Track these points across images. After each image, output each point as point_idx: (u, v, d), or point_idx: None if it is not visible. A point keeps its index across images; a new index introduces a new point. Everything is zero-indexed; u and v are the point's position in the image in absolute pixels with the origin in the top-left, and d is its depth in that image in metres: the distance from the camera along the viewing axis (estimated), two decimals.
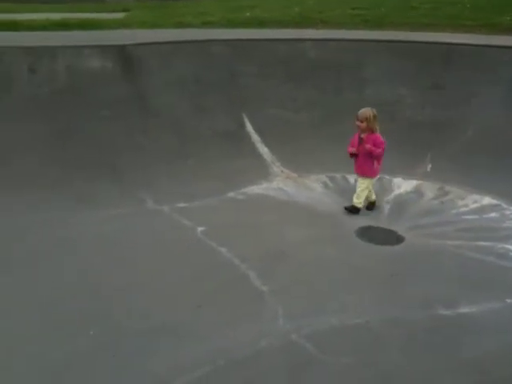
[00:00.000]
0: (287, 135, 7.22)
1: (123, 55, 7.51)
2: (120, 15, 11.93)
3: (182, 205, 5.99)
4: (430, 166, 7.00)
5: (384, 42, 8.47)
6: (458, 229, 5.65)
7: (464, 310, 4.20)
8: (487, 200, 6.25)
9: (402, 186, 6.68)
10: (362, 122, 5.76)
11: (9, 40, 7.91)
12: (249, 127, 7.56)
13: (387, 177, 6.82)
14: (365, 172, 5.95)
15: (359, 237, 5.42)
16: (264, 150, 7.32)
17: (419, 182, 6.77)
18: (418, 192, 6.55)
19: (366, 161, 5.87)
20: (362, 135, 5.83)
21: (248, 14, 11.38)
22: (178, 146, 6.90)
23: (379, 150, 5.78)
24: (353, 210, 5.96)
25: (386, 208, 6.11)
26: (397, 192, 6.53)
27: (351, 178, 6.74)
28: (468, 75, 7.64)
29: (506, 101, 7.27)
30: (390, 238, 5.44)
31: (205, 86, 7.68)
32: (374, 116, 5.77)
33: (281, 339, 3.76)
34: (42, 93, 6.78)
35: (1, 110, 6.43)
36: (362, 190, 5.96)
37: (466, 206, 6.17)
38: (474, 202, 6.24)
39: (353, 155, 5.93)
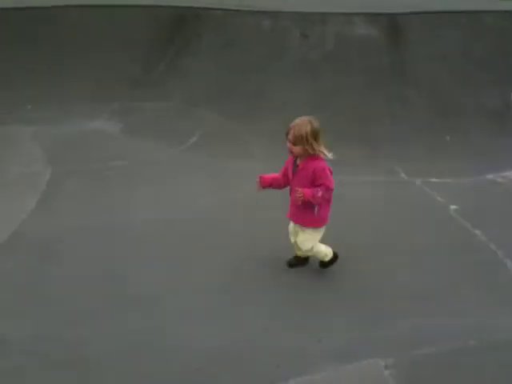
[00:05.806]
0: None
1: (391, 24, 7.48)
2: None
3: (434, 180, 5.81)
4: None
5: None
6: None
7: None
8: None
9: None
10: (294, 144, 3.51)
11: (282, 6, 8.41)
12: None
13: None
14: (306, 221, 3.72)
15: None
16: None
17: None
18: None
19: (303, 204, 3.57)
20: (298, 161, 3.64)
21: None
22: (436, 119, 6.67)
23: (322, 194, 3.50)
24: (329, 264, 3.94)
25: None
26: None
27: None
28: None
29: None
30: None
31: (472, 61, 7.25)
32: (314, 132, 3.45)
33: None
34: (311, 57, 7.16)
35: (275, 70, 7.00)
36: (316, 251, 3.83)
37: None
38: None
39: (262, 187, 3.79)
